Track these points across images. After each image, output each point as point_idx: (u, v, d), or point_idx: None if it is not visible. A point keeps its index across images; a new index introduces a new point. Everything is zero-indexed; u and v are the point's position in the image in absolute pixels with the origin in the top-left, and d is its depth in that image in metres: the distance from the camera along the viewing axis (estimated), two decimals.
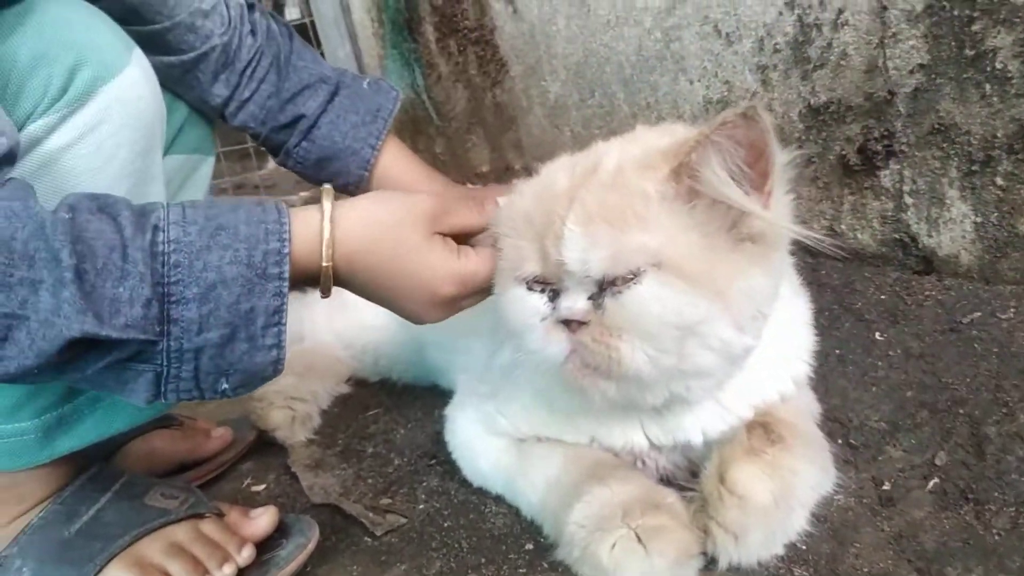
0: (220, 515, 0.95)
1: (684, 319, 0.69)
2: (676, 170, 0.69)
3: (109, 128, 0.77)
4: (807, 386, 0.92)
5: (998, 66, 0.95)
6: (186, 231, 0.67)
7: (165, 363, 0.67)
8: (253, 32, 1.12)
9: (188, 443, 1.17)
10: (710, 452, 0.85)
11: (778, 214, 0.71)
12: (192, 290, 0.66)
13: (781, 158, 0.69)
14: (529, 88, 1.68)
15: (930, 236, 1.09)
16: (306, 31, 2.38)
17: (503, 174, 1.89)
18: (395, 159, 1.11)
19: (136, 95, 0.80)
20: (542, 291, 0.75)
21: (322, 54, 2.33)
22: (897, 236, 1.13)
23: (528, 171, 1.77)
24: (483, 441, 0.99)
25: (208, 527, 0.92)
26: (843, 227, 1.19)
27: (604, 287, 0.71)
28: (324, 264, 0.73)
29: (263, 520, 0.95)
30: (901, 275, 1.13)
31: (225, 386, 0.71)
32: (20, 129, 0.72)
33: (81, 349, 0.64)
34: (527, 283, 0.76)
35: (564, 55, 1.55)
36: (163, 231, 0.66)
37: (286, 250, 0.70)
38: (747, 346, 0.75)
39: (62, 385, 0.81)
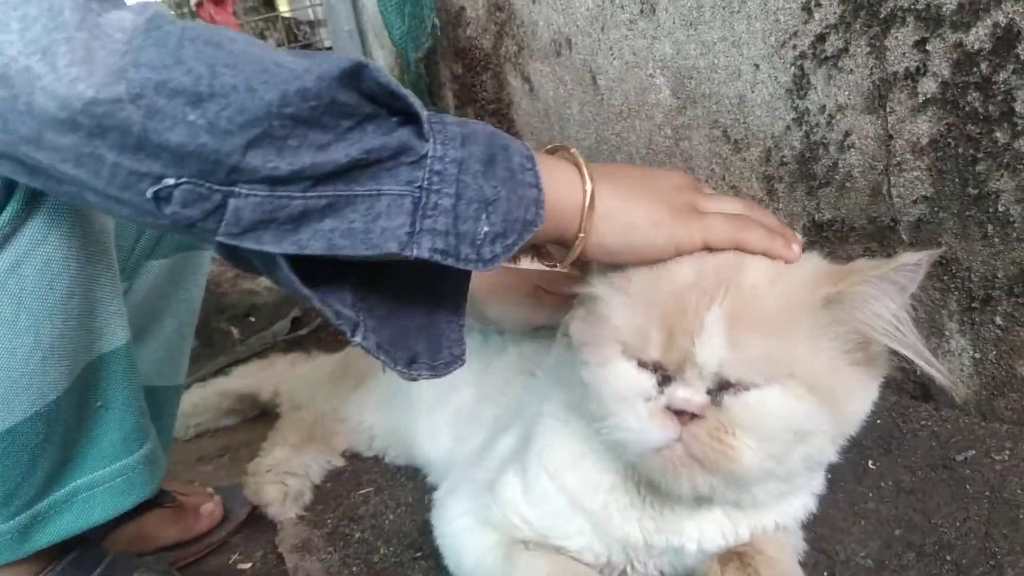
0: None
1: (804, 428, 0.71)
2: (833, 296, 0.70)
3: (57, 237, 0.72)
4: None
5: (1000, 208, 0.94)
6: None
7: (426, 179, 0.62)
8: None
9: (178, 525, 1.17)
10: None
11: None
12: (449, 120, 0.65)
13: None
14: None
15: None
16: None
17: None
18: None
19: None
20: (652, 371, 0.73)
21: None
22: (895, 360, 1.12)
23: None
24: (471, 535, 0.98)
25: None
26: None
27: (726, 385, 0.70)
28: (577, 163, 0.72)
29: None
30: (899, 400, 1.12)
31: (486, 229, 0.65)
32: None
33: (358, 109, 0.61)
34: (638, 360, 0.74)
35: (577, 138, 1.56)
36: None
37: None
38: (824, 462, 0.79)
39: (36, 483, 0.81)
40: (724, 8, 1.17)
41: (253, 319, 2.02)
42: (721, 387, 0.70)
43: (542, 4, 1.52)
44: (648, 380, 0.73)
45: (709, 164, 1.29)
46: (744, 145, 1.22)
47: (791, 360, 0.69)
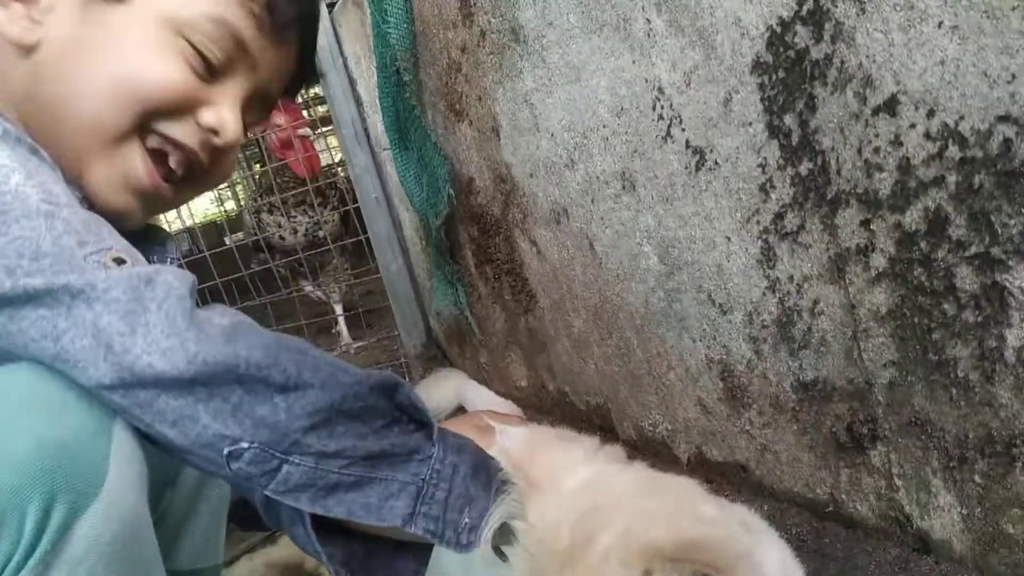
0: None
1: None
2: None
3: (98, 551, 0.73)
4: None
5: (960, 374, 0.99)
6: None
7: (428, 475, 0.83)
8: None
9: None
10: None
11: None
12: (449, 432, 0.89)
13: None
14: (556, 320, 1.79)
15: (923, 519, 1.10)
16: (362, 247, 2.60)
17: (540, 391, 1.98)
18: None
19: (124, 504, 0.76)
20: None
21: (377, 268, 2.53)
22: (892, 514, 1.14)
23: (561, 393, 1.86)
24: None
25: None
26: (843, 496, 1.22)
27: None
28: None
29: None
30: (901, 552, 1.14)
31: (466, 520, 0.84)
32: None
33: (390, 413, 0.83)
34: None
35: (583, 297, 1.65)
36: None
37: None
38: None
39: None
40: (693, 187, 1.27)
41: None
42: None
43: (539, 178, 1.64)
44: None
45: (701, 324, 1.36)
46: (728, 308, 1.29)
47: None
